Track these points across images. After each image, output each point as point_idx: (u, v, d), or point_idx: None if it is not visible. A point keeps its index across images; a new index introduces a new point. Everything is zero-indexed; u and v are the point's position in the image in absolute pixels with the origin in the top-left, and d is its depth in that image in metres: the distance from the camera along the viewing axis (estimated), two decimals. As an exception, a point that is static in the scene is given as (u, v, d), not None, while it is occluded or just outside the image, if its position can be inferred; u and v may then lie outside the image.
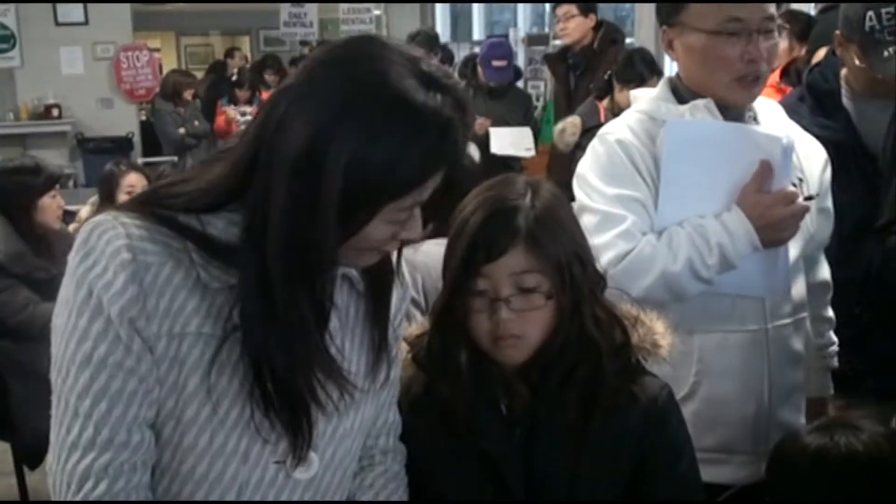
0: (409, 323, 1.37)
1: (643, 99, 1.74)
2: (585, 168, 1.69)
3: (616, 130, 1.69)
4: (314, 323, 1.08)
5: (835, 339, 1.90)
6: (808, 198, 1.64)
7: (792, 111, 1.88)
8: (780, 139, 1.59)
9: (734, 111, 1.66)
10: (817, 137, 1.83)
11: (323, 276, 1.08)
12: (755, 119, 1.70)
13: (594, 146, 1.71)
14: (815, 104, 2.14)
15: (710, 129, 1.62)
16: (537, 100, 6.40)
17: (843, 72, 2.12)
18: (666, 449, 1.30)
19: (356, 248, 1.09)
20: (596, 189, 1.64)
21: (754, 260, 1.58)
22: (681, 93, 1.69)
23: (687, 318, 1.59)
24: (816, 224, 1.76)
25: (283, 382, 1.07)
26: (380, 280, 1.20)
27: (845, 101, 2.11)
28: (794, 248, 1.68)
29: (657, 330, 1.34)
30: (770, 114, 1.74)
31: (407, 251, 1.24)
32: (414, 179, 1.03)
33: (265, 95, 6.70)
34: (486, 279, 1.25)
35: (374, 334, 1.20)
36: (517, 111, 5.14)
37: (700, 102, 1.64)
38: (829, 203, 1.82)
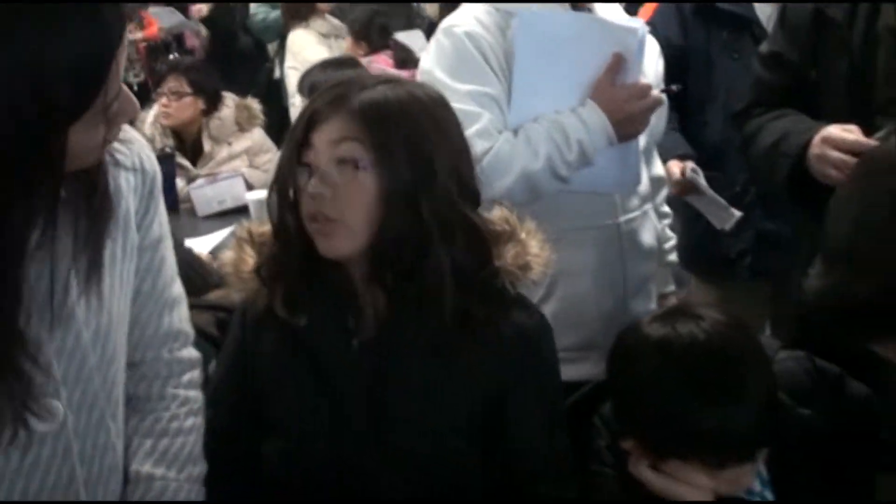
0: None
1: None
2: (431, 64, 1.61)
3: (463, 23, 1.60)
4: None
5: (672, 234, 1.92)
6: (663, 90, 1.61)
7: None
8: (636, 31, 1.55)
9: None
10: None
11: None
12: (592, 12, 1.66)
13: (439, 40, 1.62)
14: None
15: (564, 21, 1.57)
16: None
17: None
18: (529, 383, 1.27)
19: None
20: (446, 86, 1.55)
21: (606, 156, 1.57)
22: None
23: (540, 218, 1.55)
24: (656, 115, 1.74)
25: None
26: (88, 184, 1.06)
27: None
28: (640, 141, 1.67)
29: (531, 250, 1.28)
30: (609, 7, 1.70)
31: None
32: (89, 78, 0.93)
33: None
34: (311, 150, 1.19)
35: (89, 245, 1.08)
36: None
37: None
38: (663, 95, 1.80)
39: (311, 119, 1.21)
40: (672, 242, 1.94)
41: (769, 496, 1.35)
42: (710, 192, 2.26)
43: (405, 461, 1.25)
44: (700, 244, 2.46)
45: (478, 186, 1.28)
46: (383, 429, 1.24)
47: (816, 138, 1.56)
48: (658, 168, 1.89)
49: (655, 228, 1.77)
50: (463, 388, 1.25)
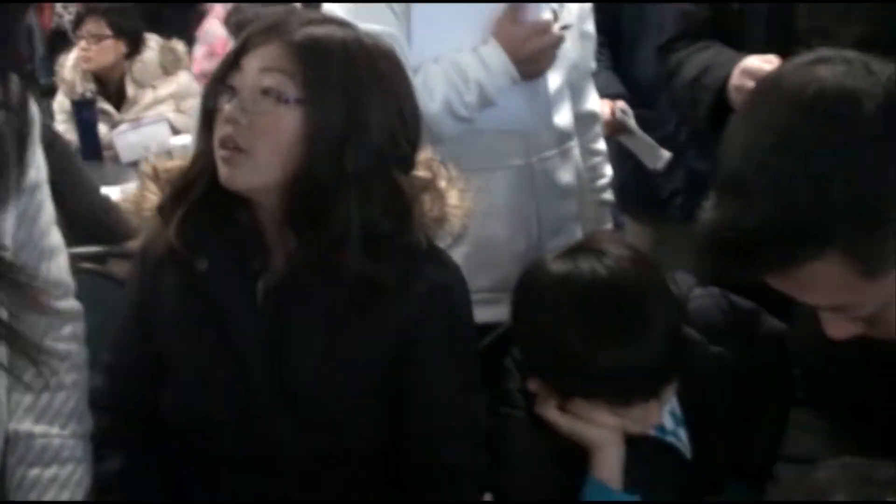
0: None
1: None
2: (332, 3, 1.54)
3: None
4: None
5: (607, 171, 1.87)
6: (564, 27, 1.56)
7: None
8: None
9: None
10: None
11: None
12: None
13: None
14: None
15: None
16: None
17: None
18: (440, 339, 1.22)
19: None
20: None
21: (513, 93, 1.53)
22: None
23: (448, 156, 1.50)
24: (579, 51, 1.70)
25: None
26: None
27: None
28: (555, 78, 1.63)
29: (449, 200, 1.23)
30: None
31: None
32: None
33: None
34: (239, 73, 1.13)
35: None
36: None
37: None
38: (591, 27, 1.77)
39: (246, 42, 1.15)
40: (605, 180, 1.89)
41: (682, 434, 1.33)
42: (641, 132, 2.22)
43: (308, 415, 1.20)
44: (632, 185, 2.43)
45: (413, 152, 1.21)
46: (285, 380, 1.20)
47: (736, 70, 1.54)
48: (589, 104, 1.84)
49: (577, 167, 1.72)
50: (369, 343, 1.20)
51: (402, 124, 1.18)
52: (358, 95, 1.13)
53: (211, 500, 1.26)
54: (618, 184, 2.40)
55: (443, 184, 1.23)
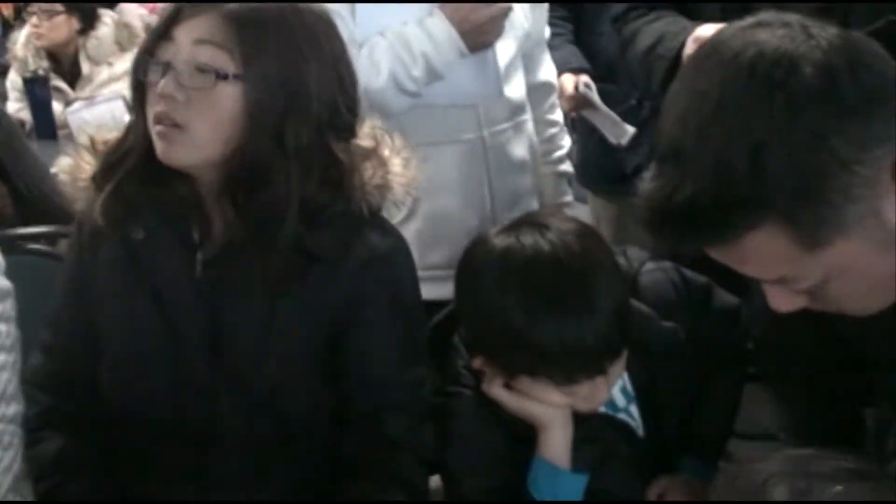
0: None
1: None
2: None
3: None
4: None
5: (564, 142, 1.84)
6: None
7: None
8: None
9: None
10: None
11: None
12: None
13: None
14: None
15: None
16: None
17: None
18: (381, 308, 1.19)
19: None
20: None
21: (462, 66, 1.49)
22: None
23: (400, 131, 1.50)
24: (532, 20, 1.66)
25: None
26: None
27: None
28: (507, 49, 1.59)
29: (393, 168, 1.19)
30: None
31: None
32: None
33: None
34: (172, 45, 1.08)
35: None
36: None
37: None
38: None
39: (178, 12, 1.10)
40: (562, 152, 1.86)
41: (634, 411, 1.31)
42: (604, 107, 2.19)
43: (247, 389, 1.17)
44: (595, 160, 2.40)
45: (353, 119, 1.18)
46: (224, 353, 1.16)
47: (689, 39, 1.50)
48: (543, 74, 1.81)
49: (530, 140, 1.69)
50: (309, 313, 1.17)
51: (342, 92, 1.15)
52: (297, 66, 1.10)
53: (151, 480, 1.22)
54: (581, 159, 2.38)
55: (386, 152, 1.20)
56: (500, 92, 1.57)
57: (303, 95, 1.10)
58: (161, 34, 1.10)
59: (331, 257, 1.14)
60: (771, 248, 0.85)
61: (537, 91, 1.76)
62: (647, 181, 0.90)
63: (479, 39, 1.48)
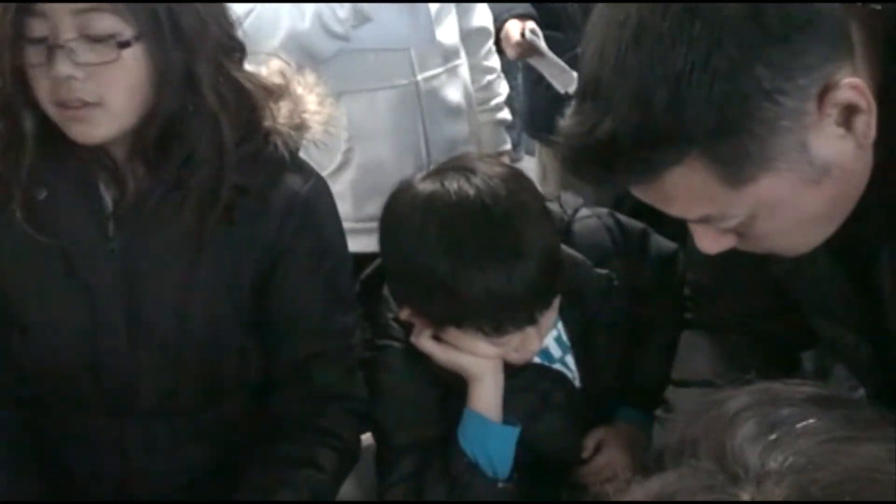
0: None
1: None
2: None
3: None
4: None
5: (501, 89, 1.79)
6: None
7: None
8: None
9: None
10: None
11: None
12: None
13: None
14: None
15: None
16: None
17: None
18: (302, 256, 1.15)
19: None
20: None
21: (393, 10, 1.47)
22: None
23: (329, 80, 1.44)
24: None
25: None
26: None
27: None
28: None
29: (308, 106, 1.14)
30: None
31: None
32: None
33: None
34: (43, 20, 0.99)
35: None
36: None
37: None
38: None
39: None
40: (499, 99, 1.81)
41: (570, 361, 1.28)
42: (550, 54, 2.14)
43: (170, 349, 1.13)
44: (542, 109, 2.36)
45: (238, 43, 1.12)
46: (142, 314, 1.12)
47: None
48: (478, 20, 1.76)
49: (465, 86, 1.64)
50: (230, 264, 1.13)
51: (222, 12, 1.09)
52: (184, 7, 1.03)
53: (74, 450, 1.18)
54: (528, 108, 2.33)
55: (299, 90, 1.14)
56: (433, 36, 1.53)
57: (198, 30, 1.03)
58: (23, 9, 1.00)
59: (250, 203, 1.09)
60: (694, 185, 0.81)
61: (473, 37, 1.72)
62: (567, 118, 0.85)
63: None
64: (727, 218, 0.85)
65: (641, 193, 0.86)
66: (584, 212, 1.31)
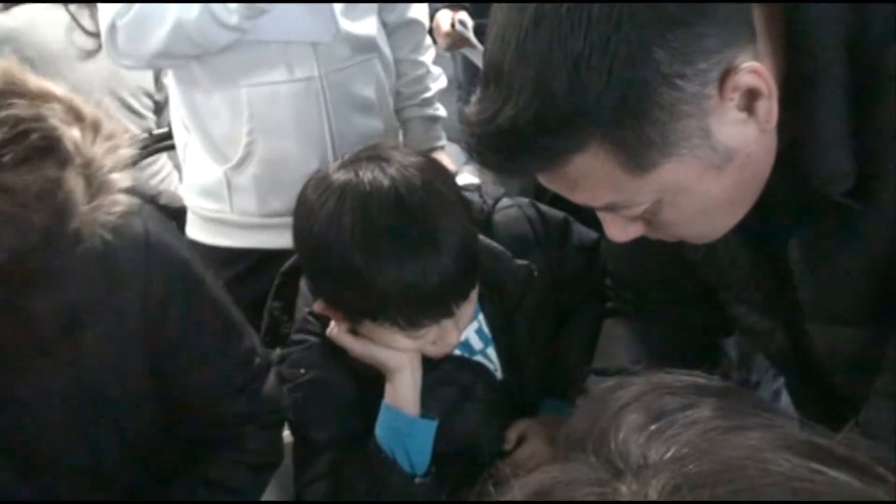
0: None
1: None
2: None
3: None
4: None
5: (432, 84, 1.76)
6: None
7: None
8: None
9: None
10: None
11: None
12: None
13: None
14: None
15: None
16: None
17: None
18: (179, 317, 1.08)
19: None
20: None
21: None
22: None
23: (232, 69, 1.45)
24: None
25: None
26: None
27: None
28: None
29: (104, 163, 0.91)
30: None
31: None
32: None
33: None
34: None
35: None
36: None
37: None
38: None
39: None
40: (429, 94, 1.77)
41: (492, 353, 1.27)
42: (480, 45, 2.12)
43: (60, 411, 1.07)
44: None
45: None
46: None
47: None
48: (411, 12, 1.71)
49: (379, 80, 1.61)
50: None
51: None
52: None
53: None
54: (466, 100, 2.31)
55: (73, 141, 0.88)
56: (336, 29, 1.49)
57: None
58: None
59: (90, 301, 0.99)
60: (597, 172, 0.80)
61: (403, 30, 1.69)
62: (471, 105, 0.84)
63: None
64: (633, 205, 0.84)
65: (547, 181, 0.85)
66: (505, 202, 1.30)
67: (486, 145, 0.81)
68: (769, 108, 0.78)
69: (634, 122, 0.76)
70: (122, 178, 0.92)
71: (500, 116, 0.78)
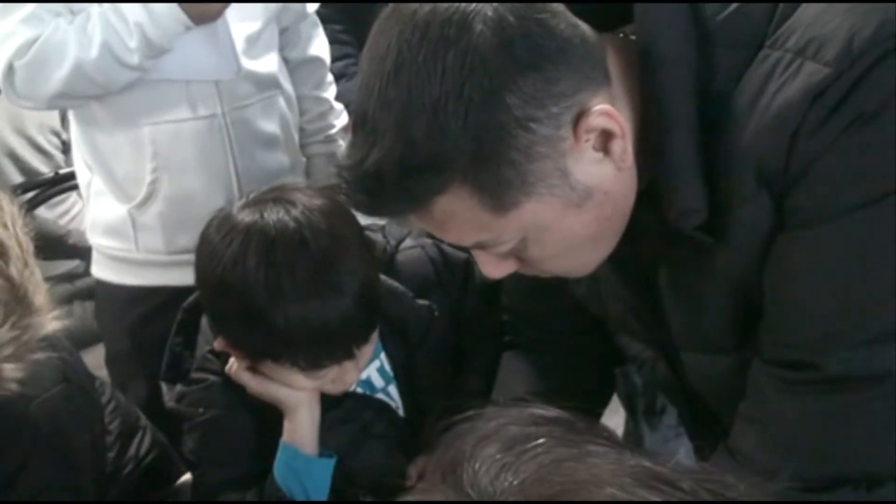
0: None
1: None
2: None
3: None
4: None
5: (336, 121, 1.78)
6: None
7: None
8: None
9: None
10: None
11: None
12: None
13: None
14: None
15: None
16: None
17: None
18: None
19: None
20: None
21: (193, 40, 1.42)
22: None
23: (134, 108, 1.45)
24: None
25: None
26: None
27: None
28: (251, 23, 1.52)
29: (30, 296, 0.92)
30: None
31: None
32: None
33: None
34: None
35: None
36: None
37: None
38: None
39: None
40: (333, 130, 1.78)
41: (393, 391, 1.28)
42: None
43: None
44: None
45: None
46: None
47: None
48: (313, 49, 1.74)
49: (282, 116, 1.62)
50: None
51: None
52: None
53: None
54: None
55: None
56: (237, 67, 1.50)
57: None
58: None
59: None
60: (461, 213, 0.83)
61: (305, 66, 1.71)
62: (343, 149, 0.87)
63: (197, 10, 1.39)
64: (499, 244, 0.87)
65: (419, 222, 0.88)
66: (408, 242, 1.32)
67: (356, 188, 0.83)
68: (624, 147, 0.83)
69: (492, 164, 0.80)
70: (13, 370, 0.89)
71: (367, 161, 0.80)
